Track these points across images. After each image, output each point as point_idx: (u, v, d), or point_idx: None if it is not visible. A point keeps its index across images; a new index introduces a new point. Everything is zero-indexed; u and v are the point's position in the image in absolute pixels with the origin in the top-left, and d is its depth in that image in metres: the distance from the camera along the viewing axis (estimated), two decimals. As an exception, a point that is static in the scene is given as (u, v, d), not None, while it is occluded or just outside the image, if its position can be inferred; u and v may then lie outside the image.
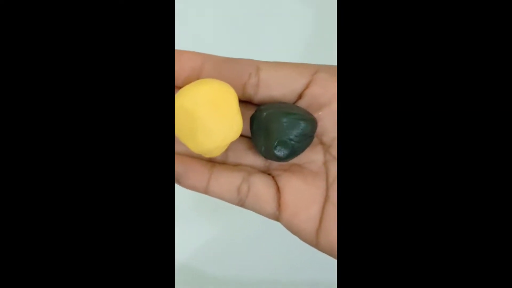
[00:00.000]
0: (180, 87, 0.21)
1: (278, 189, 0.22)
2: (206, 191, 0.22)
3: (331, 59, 0.25)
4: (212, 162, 0.22)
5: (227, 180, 0.21)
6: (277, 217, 0.22)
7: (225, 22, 0.45)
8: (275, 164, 0.22)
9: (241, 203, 0.22)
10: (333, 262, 0.22)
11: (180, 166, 0.22)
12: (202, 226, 0.44)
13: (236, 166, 0.22)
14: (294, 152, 0.21)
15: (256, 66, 0.21)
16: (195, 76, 0.21)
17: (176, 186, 0.22)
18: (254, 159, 0.23)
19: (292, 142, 0.20)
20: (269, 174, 0.22)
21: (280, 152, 0.21)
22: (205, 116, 0.20)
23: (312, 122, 0.21)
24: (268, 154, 0.21)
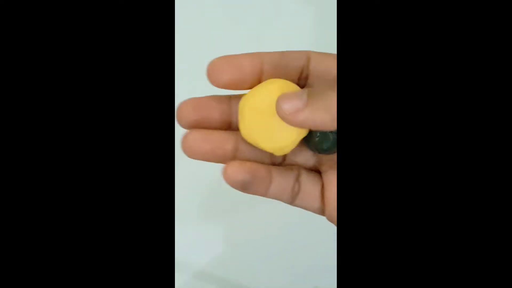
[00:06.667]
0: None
1: (323, 186, 0.22)
2: (265, 194, 0.22)
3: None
4: (269, 165, 0.23)
5: (284, 182, 0.22)
6: (323, 212, 0.22)
7: (225, 20, 0.44)
8: (325, 160, 0.23)
9: (292, 202, 0.23)
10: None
11: (247, 175, 0.22)
12: (202, 226, 0.44)
13: (289, 166, 0.23)
14: (336, 144, 0.21)
15: (307, 56, 0.22)
16: (258, 78, 0.22)
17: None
18: (307, 156, 0.23)
19: (332, 134, 0.21)
20: (318, 171, 0.23)
21: (322, 145, 0.21)
22: None
23: None
24: (315, 148, 0.22)
